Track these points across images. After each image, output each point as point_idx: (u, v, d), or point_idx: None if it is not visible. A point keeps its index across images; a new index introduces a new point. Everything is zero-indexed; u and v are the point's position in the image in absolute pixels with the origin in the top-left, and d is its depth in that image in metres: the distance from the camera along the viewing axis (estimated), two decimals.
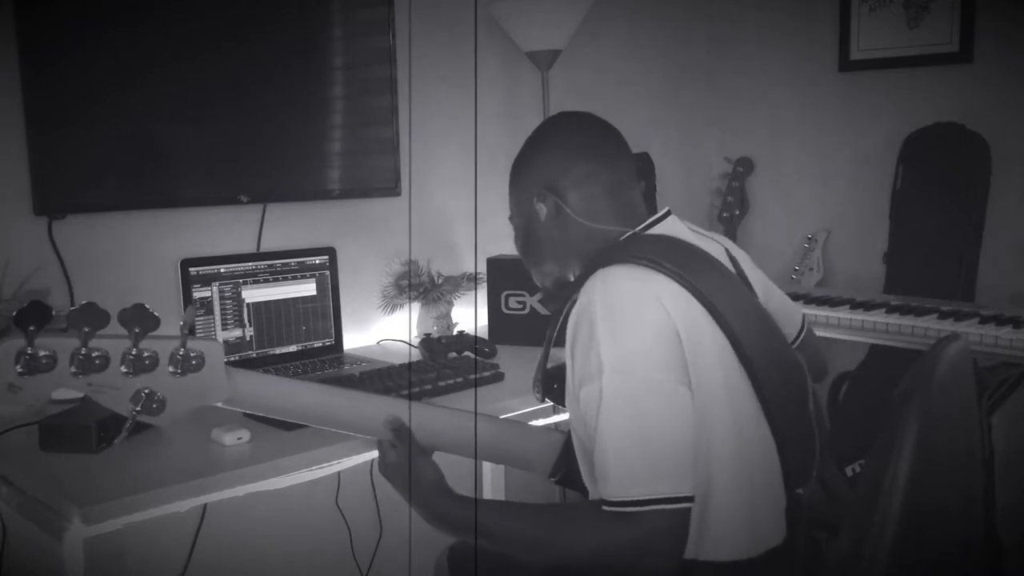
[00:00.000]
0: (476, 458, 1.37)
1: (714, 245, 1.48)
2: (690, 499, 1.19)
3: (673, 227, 1.45)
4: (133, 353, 1.19)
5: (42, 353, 1.16)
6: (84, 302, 1.16)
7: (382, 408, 1.42)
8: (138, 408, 1.21)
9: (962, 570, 1.29)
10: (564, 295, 1.42)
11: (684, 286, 1.27)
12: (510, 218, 1.58)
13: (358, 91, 2.48)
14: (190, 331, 1.23)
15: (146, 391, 1.21)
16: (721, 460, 1.27)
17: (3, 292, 1.92)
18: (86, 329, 1.16)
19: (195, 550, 2.25)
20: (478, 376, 2.07)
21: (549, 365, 1.47)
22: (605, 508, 1.20)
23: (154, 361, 1.20)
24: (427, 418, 1.44)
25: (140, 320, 1.17)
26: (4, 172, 1.97)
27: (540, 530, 1.29)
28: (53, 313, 1.16)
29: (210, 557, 2.27)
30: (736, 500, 1.29)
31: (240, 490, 1.59)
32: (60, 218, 2.03)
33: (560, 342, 1.39)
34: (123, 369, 1.19)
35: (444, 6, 2.64)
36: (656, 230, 1.43)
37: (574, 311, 1.30)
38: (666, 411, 1.21)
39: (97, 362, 1.18)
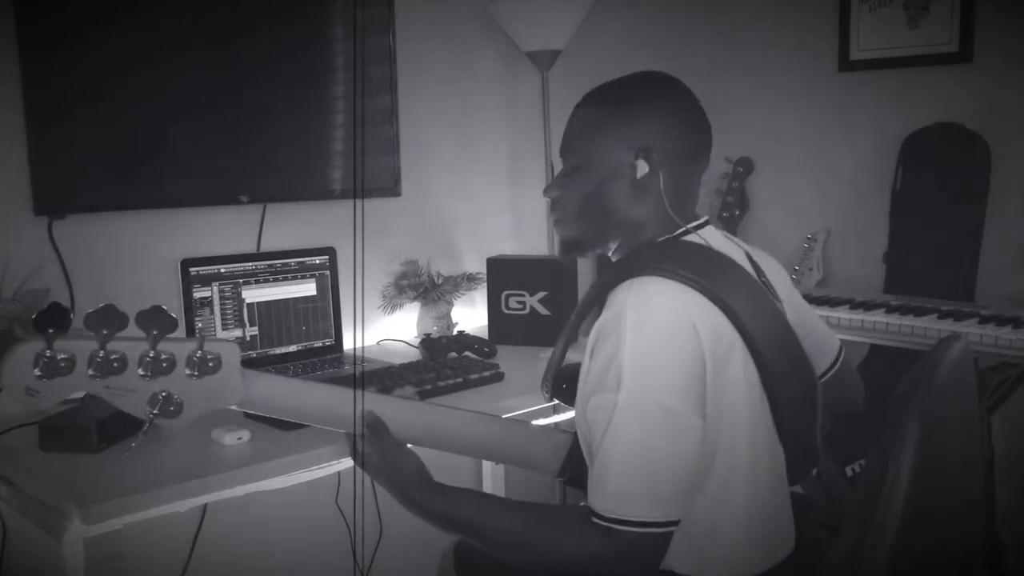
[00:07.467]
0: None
1: (738, 251, 1.45)
2: (676, 523, 1.21)
3: (712, 237, 1.40)
4: (151, 355, 1.18)
5: (60, 356, 1.14)
6: (103, 304, 1.14)
7: (392, 407, 1.41)
8: (156, 411, 1.20)
9: (963, 570, 1.29)
10: (577, 255, 1.45)
11: (715, 303, 1.24)
12: (563, 154, 1.44)
13: (358, 91, 2.48)
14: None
15: (163, 394, 1.20)
16: (736, 483, 1.28)
17: (3, 292, 1.92)
18: (105, 331, 1.14)
19: (195, 550, 2.24)
20: (478, 376, 2.06)
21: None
22: (595, 520, 1.21)
23: (171, 363, 1.19)
24: (438, 420, 1.43)
25: (158, 322, 1.16)
26: (4, 172, 1.97)
27: (521, 526, 1.29)
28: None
29: (210, 557, 2.27)
30: (749, 520, 1.30)
31: (240, 490, 1.59)
32: (60, 218, 2.03)
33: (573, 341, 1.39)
34: (140, 372, 1.18)
35: (443, 5, 2.65)
36: (693, 238, 1.37)
37: (601, 320, 1.26)
38: (674, 441, 1.20)
39: (115, 364, 1.16)
